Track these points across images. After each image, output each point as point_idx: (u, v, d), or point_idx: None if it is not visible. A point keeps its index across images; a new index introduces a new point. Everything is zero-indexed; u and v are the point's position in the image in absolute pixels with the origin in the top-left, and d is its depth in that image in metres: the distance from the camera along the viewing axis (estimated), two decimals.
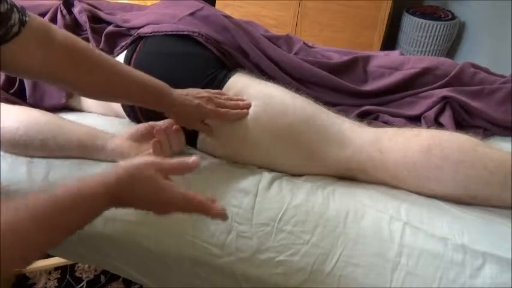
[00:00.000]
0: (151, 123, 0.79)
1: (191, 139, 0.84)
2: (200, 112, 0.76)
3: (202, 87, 0.81)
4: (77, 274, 1.20)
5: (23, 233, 0.42)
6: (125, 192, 0.51)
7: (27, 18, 0.58)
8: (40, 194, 0.46)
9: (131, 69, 0.70)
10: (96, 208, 0.50)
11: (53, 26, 0.64)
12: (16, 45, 0.57)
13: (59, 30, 0.64)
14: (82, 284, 1.17)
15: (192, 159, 0.57)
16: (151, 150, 0.75)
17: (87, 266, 1.21)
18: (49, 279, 1.17)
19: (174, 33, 0.86)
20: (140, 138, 0.78)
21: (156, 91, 0.72)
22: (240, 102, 0.79)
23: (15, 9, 0.56)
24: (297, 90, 0.86)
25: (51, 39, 0.62)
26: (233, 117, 0.77)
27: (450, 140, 0.75)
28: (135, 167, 0.53)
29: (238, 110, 0.78)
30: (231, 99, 0.79)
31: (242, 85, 0.83)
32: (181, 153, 0.83)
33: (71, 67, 0.64)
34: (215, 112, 0.76)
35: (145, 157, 0.55)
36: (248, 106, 0.79)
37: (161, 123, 0.78)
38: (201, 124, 0.79)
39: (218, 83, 0.83)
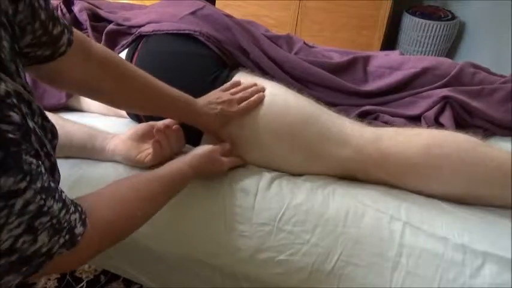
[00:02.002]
0: (151, 123, 0.79)
1: (194, 139, 0.84)
2: (224, 117, 0.77)
3: (206, 86, 0.81)
4: (77, 274, 1.20)
5: (156, 200, 0.62)
6: (201, 169, 0.71)
7: (73, 38, 0.59)
8: (142, 173, 0.65)
9: (160, 82, 0.72)
10: (185, 183, 0.68)
11: (91, 40, 0.66)
12: (60, 62, 0.58)
13: (96, 44, 0.66)
14: (82, 284, 1.17)
15: (225, 144, 0.79)
16: (151, 150, 0.76)
17: (87, 266, 1.21)
18: (49, 279, 1.17)
19: (175, 32, 0.86)
20: (140, 138, 0.78)
21: (182, 103, 0.74)
22: (256, 88, 0.81)
23: (65, 30, 0.56)
24: (299, 90, 0.86)
25: (90, 54, 0.64)
26: (255, 104, 0.79)
27: (450, 140, 0.75)
28: (208, 152, 0.73)
29: (256, 96, 0.79)
30: (247, 88, 0.81)
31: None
32: (183, 153, 0.83)
33: (107, 80, 0.66)
34: (239, 112, 0.78)
35: (209, 146, 0.75)
36: (263, 89, 0.81)
37: (161, 123, 0.78)
38: (224, 131, 0.81)
39: (221, 81, 0.83)
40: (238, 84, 0.82)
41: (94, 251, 0.52)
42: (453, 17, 2.08)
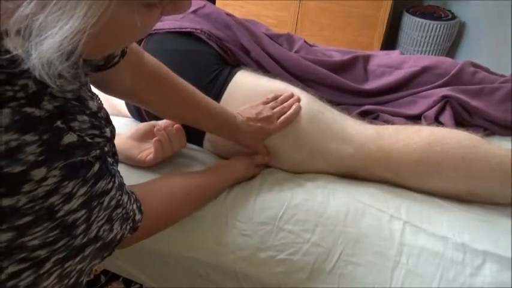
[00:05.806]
0: (152, 122, 0.79)
1: (195, 138, 0.84)
2: (262, 135, 0.78)
3: (208, 83, 0.81)
4: None
5: (199, 206, 0.71)
6: (236, 179, 0.76)
7: (127, 49, 0.59)
8: (194, 177, 0.71)
9: (203, 96, 0.73)
10: (222, 189, 0.74)
11: (143, 51, 0.66)
12: (111, 72, 0.58)
13: (147, 55, 0.66)
14: None
15: (265, 156, 0.80)
16: (152, 150, 0.76)
17: None
18: None
19: (177, 30, 0.86)
20: (141, 138, 0.78)
21: (221, 118, 0.74)
22: (293, 99, 0.80)
23: None
24: (303, 88, 0.87)
25: (141, 66, 0.64)
26: (293, 118, 0.78)
27: (451, 136, 0.75)
28: (251, 169, 0.78)
29: (293, 109, 0.78)
30: (286, 100, 0.80)
31: (251, 83, 0.83)
32: (185, 153, 0.83)
33: (153, 91, 0.68)
34: (277, 130, 0.78)
35: (248, 159, 0.78)
36: (299, 99, 0.81)
37: (162, 122, 0.78)
38: (261, 145, 0.80)
39: (224, 79, 0.83)
40: (278, 96, 0.81)
41: (143, 235, 0.58)
42: (453, 17, 2.08)
